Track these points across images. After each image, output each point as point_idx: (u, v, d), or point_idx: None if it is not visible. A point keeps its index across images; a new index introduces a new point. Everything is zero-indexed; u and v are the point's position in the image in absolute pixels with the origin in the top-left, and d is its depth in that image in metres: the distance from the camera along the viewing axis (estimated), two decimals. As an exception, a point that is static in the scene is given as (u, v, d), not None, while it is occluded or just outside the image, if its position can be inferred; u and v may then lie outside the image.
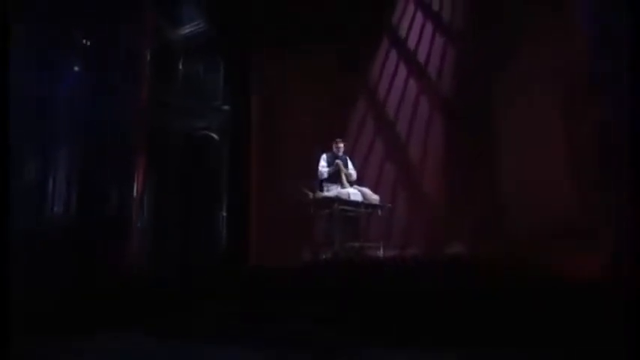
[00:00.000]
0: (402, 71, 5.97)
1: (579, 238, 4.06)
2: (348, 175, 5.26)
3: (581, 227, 4.14)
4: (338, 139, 5.36)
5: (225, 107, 6.18)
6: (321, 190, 5.24)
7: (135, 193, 5.38)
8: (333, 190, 5.13)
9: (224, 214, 5.95)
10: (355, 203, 5.03)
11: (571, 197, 4.41)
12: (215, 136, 6.17)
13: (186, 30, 6.18)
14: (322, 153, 5.39)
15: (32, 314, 4.15)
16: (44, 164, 5.41)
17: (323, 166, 5.26)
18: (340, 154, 5.33)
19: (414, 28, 5.95)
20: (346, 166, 5.34)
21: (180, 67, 6.14)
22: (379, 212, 5.24)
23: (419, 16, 5.93)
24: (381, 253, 5.13)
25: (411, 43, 5.96)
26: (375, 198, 5.18)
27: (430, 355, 2.84)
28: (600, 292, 3.16)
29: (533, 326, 2.91)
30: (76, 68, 5.44)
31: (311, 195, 5.12)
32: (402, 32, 6.03)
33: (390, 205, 5.38)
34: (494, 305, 3.21)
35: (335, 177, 5.23)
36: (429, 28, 5.86)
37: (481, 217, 5.13)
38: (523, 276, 3.69)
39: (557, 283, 3.45)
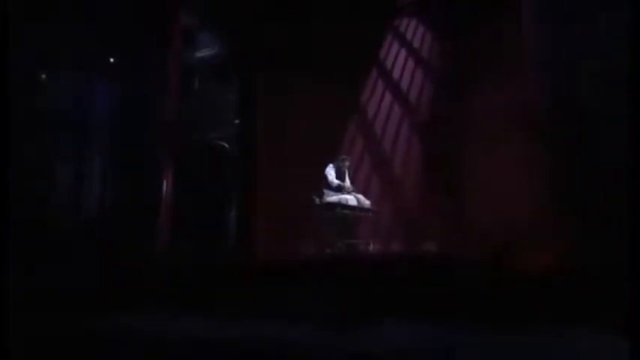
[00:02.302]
0: (388, 98, 7.15)
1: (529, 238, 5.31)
2: (347, 188, 6.34)
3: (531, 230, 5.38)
4: (343, 157, 6.46)
5: (236, 121, 7.21)
6: (321, 196, 6.34)
7: (164, 191, 6.37)
8: (333, 196, 6.25)
9: (234, 212, 6.99)
10: (353, 207, 6.16)
11: (523, 206, 5.64)
12: (227, 145, 7.16)
13: (204, 54, 7.15)
14: (322, 162, 6.48)
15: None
16: (92, 170, 6.35)
17: (332, 176, 6.28)
18: (345, 167, 6.41)
19: (398, 63, 7.16)
20: (347, 176, 6.44)
21: (198, 86, 7.12)
22: (369, 214, 6.42)
23: (403, 53, 7.13)
24: (371, 248, 6.32)
25: (396, 76, 7.16)
26: (367, 203, 6.33)
27: (409, 325, 3.59)
28: (544, 282, 4.35)
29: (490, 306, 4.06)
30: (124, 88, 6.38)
31: (318, 200, 6.21)
32: (389, 65, 7.20)
33: (378, 209, 6.56)
34: (459, 287, 4.29)
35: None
36: (410, 64, 7.06)
37: (450, 221, 6.37)
38: (484, 268, 4.88)
39: (511, 274, 4.66)
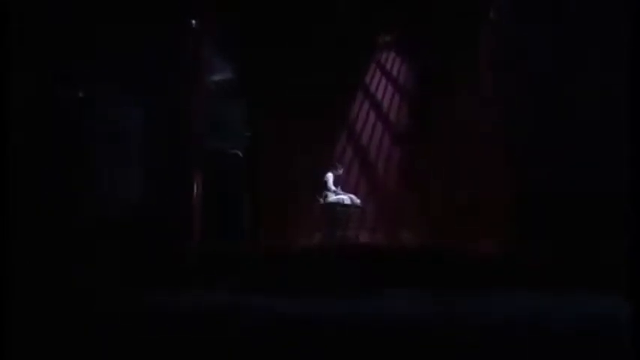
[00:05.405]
0: (372, 114, 8.90)
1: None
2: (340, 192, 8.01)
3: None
4: (338, 164, 8.15)
5: (247, 133, 8.75)
6: (323, 197, 8.01)
7: (195, 190, 7.82)
8: (333, 197, 7.91)
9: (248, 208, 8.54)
10: (348, 205, 7.88)
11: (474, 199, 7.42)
12: (240, 153, 8.68)
13: (219, 77, 8.60)
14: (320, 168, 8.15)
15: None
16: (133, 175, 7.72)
17: (331, 182, 7.93)
18: (339, 173, 8.10)
19: (382, 85, 8.90)
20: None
21: (215, 104, 8.54)
22: (359, 211, 8.15)
23: (384, 78, 8.89)
24: (361, 237, 8.07)
25: (380, 95, 8.92)
26: (358, 202, 8.06)
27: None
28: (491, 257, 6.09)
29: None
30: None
31: (322, 200, 7.88)
32: (373, 87, 8.94)
33: (365, 207, 8.29)
34: (428, 263, 5.86)
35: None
36: (391, 87, 8.81)
37: (422, 215, 8.18)
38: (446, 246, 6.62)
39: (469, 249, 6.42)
